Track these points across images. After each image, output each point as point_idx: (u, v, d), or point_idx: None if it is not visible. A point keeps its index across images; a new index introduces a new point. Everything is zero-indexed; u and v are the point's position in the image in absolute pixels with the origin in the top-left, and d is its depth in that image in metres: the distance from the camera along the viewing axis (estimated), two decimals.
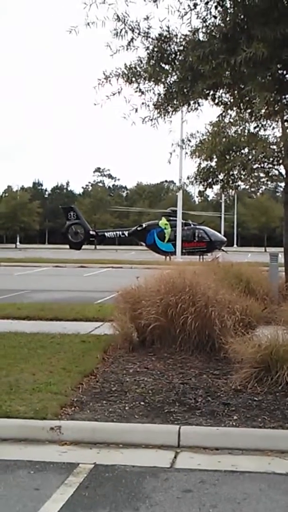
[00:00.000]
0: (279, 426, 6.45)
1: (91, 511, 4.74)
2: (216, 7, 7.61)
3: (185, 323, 9.71)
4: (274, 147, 16.80)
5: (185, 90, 8.08)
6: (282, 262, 17.98)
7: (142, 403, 7.18)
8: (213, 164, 16.58)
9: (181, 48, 7.90)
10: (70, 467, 5.59)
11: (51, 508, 4.76)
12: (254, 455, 5.91)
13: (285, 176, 17.68)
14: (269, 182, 20.59)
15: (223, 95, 8.66)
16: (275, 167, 17.56)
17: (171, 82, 8.21)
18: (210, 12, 7.68)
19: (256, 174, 17.95)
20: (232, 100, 8.79)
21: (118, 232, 54.68)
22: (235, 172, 16.78)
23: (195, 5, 7.67)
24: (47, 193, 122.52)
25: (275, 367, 7.70)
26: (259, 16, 6.93)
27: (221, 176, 16.87)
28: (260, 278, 15.87)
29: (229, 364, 8.50)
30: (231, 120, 15.36)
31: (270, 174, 18.29)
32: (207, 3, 7.66)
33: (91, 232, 52.98)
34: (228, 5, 7.48)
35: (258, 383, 7.67)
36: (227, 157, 16.02)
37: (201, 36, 7.74)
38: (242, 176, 17.13)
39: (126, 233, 52.79)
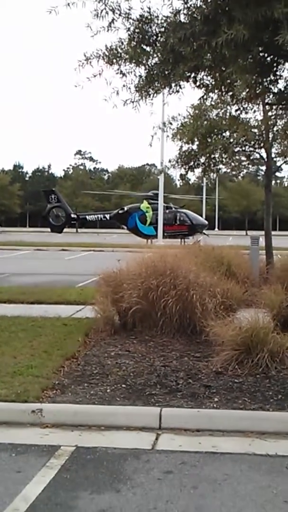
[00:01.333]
0: (259, 408, 6.52)
1: (73, 493, 4.76)
2: None
3: (166, 306, 9.74)
4: (255, 130, 16.84)
5: (166, 72, 8.02)
6: (263, 246, 18.09)
7: (123, 385, 7.21)
8: (195, 147, 16.57)
9: (162, 29, 7.83)
10: (52, 449, 5.61)
11: (32, 490, 4.78)
12: (235, 437, 5.96)
13: (266, 160, 17.73)
14: (250, 166, 20.65)
15: (205, 77, 8.60)
16: (256, 150, 17.61)
17: (152, 64, 8.14)
18: None
19: (237, 157, 17.97)
20: (213, 83, 8.74)
21: (99, 215, 54.36)
22: (217, 155, 16.78)
23: None
24: (27, 175, 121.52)
25: (255, 350, 7.76)
26: None
27: (202, 160, 16.86)
28: (241, 261, 15.95)
29: (210, 346, 8.55)
30: (213, 103, 15.31)
31: (251, 157, 18.34)
32: None
33: (73, 215, 52.61)
34: None
35: (238, 365, 7.73)
36: (209, 140, 16.00)
37: (182, 18, 7.67)
38: (223, 159, 17.14)
39: (107, 216, 52.50)
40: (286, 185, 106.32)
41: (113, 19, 7.87)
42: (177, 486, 4.89)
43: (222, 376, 7.54)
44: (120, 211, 50.90)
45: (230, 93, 9.23)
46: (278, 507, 4.58)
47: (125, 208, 51.22)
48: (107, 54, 8.14)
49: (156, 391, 7.00)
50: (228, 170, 20.92)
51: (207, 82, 8.75)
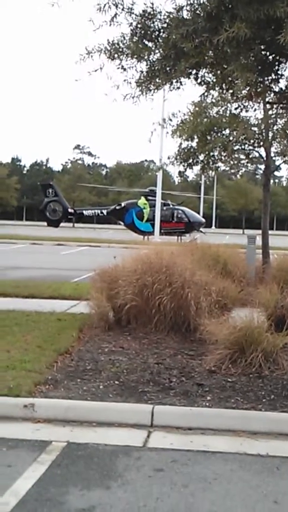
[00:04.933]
0: (251, 408, 6.51)
1: (63, 488, 4.75)
2: None
3: (161, 304, 9.73)
4: (255, 129, 16.78)
5: (167, 68, 7.98)
6: (260, 245, 18.07)
7: (116, 382, 7.19)
8: (194, 144, 16.50)
9: (165, 25, 7.78)
10: (43, 444, 5.59)
11: (22, 485, 4.76)
12: (227, 436, 5.95)
13: (265, 159, 17.70)
14: (249, 164, 20.58)
15: (206, 74, 8.55)
16: (256, 149, 17.58)
17: (154, 59, 8.10)
18: None
19: (236, 155, 17.92)
20: (214, 80, 8.70)
21: (96, 211, 54.25)
22: (216, 153, 16.72)
23: None
24: (25, 169, 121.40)
25: (249, 349, 7.75)
26: None
27: (201, 157, 16.80)
28: (237, 260, 15.93)
29: (204, 345, 8.54)
30: (213, 100, 15.25)
31: (250, 156, 18.28)
32: None
33: (69, 210, 52.46)
34: None
35: (232, 364, 7.71)
36: (208, 137, 15.95)
37: (185, 14, 7.63)
38: (222, 157, 17.08)
39: (104, 211, 52.41)
40: (284, 184, 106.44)
41: (115, 14, 7.82)
42: (167, 484, 4.88)
43: (215, 375, 7.53)
44: (118, 207, 50.86)
45: (231, 91, 9.18)
46: (268, 507, 4.58)
47: (123, 204, 51.14)
48: (109, 48, 8.09)
49: (149, 389, 6.99)
50: (227, 168, 20.86)
51: (208, 79, 8.70)
